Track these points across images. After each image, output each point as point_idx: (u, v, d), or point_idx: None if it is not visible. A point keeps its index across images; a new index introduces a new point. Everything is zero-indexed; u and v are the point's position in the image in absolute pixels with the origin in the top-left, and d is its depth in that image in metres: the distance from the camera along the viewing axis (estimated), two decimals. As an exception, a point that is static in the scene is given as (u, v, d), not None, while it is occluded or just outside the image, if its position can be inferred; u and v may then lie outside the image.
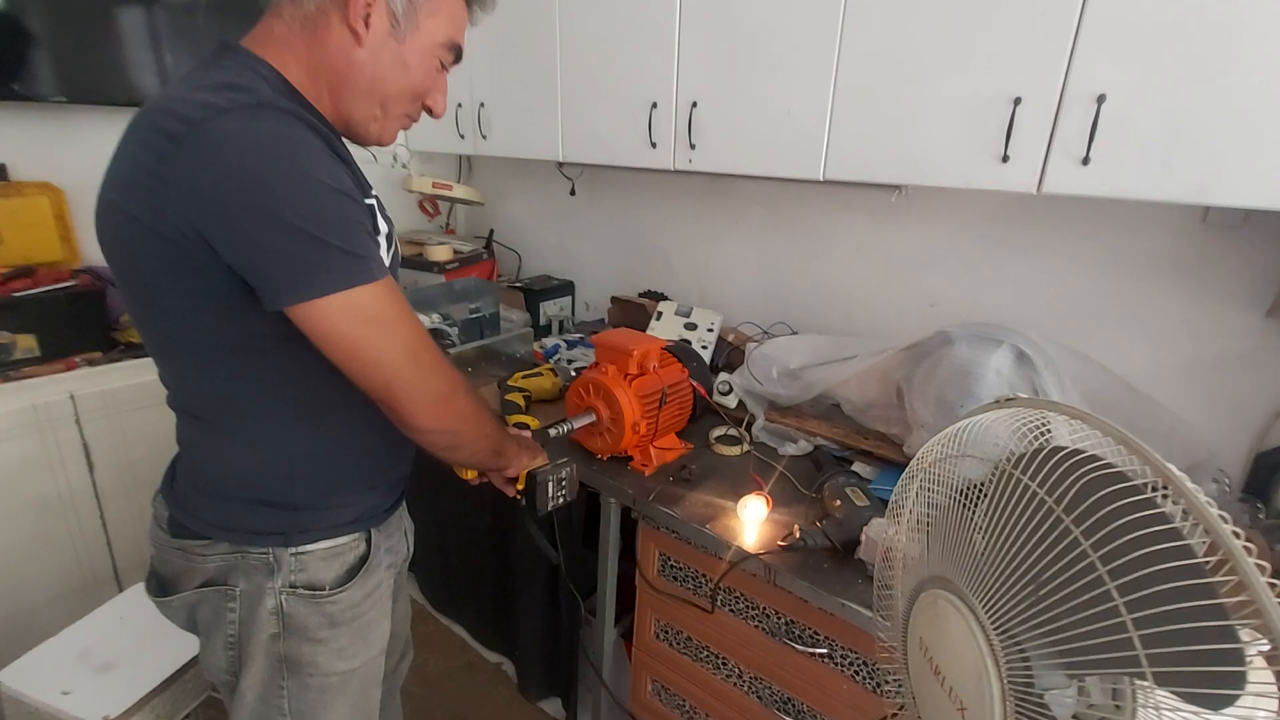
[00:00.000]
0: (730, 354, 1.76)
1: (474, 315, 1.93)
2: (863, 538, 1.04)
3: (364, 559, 0.86)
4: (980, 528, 0.61)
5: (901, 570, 0.77)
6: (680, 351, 1.45)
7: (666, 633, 1.39)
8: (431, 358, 0.74)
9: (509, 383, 1.59)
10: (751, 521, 1.17)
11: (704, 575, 1.27)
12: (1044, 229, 1.40)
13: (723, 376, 1.60)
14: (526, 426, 1.44)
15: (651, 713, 1.47)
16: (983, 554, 0.59)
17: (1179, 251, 1.27)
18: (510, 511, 1.59)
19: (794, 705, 1.22)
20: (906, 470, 0.79)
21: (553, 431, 1.21)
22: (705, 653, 1.33)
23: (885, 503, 1.15)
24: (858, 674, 1.11)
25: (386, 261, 0.75)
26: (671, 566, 1.32)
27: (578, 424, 1.27)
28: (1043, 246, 1.41)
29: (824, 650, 1.13)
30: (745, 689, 1.28)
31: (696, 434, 1.50)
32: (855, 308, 1.70)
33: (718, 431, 1.52)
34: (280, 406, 0.78)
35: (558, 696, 1.73)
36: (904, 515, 0.77)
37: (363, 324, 0.68)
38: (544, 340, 2.02)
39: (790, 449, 1.46)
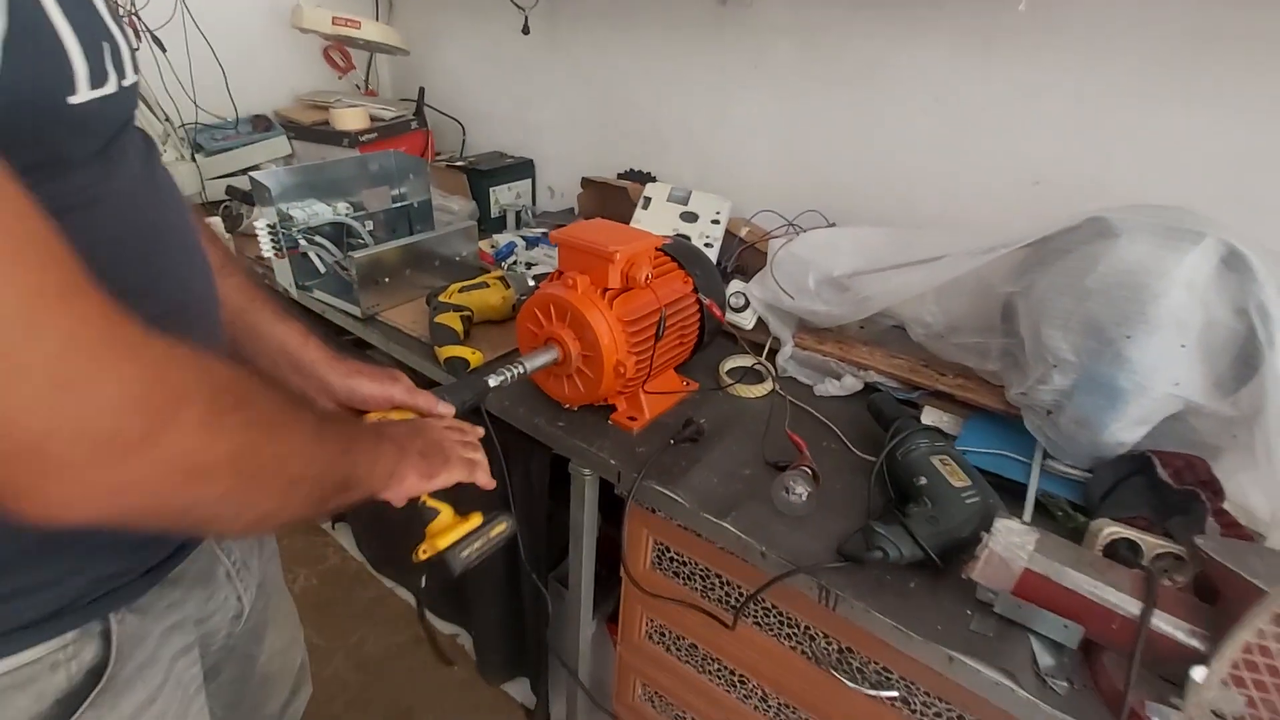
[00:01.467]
0: (743, 255, 1.31)
1: (398, 205, 1.43)
2: (981, 552, 0.66)
3: (98, 671, 0.45)
4: None
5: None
6: (681, 252, 1.00)
7: (663, 635, 1.04)
8: (98, 333, 0.30)
9: (440, 299, 1.14)
10: (793, 507, 0.78)
11: (719, 576, 0.90)
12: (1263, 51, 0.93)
13: (735, 286, 1.17)
14: (464, 363, 1.00)
15: (640, 716, 1.15)
16: None
17: None
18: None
19: (841, 744, 0.89)
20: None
21: (494, 379, 0.78)
22: (717, 666, 0.99)
23: (990, 479, 0.77)
24: (946, 726, 0.77)
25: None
26: (671, 559, 0.94)
27: (532, 366, 0.84)
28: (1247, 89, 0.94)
29: (894, 694, 0.78)
30: (771, 715, 0.95)
31: (701, 367, 1.08)
32: (921, 189, 1.24)
33: (731, 363, 1.11)
34: None
35: (525, 677, 1.42)
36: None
37: None
38: (495, 238, 1.54)
39: (831, 387, 1.05)
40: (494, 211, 1.68)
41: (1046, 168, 1.11)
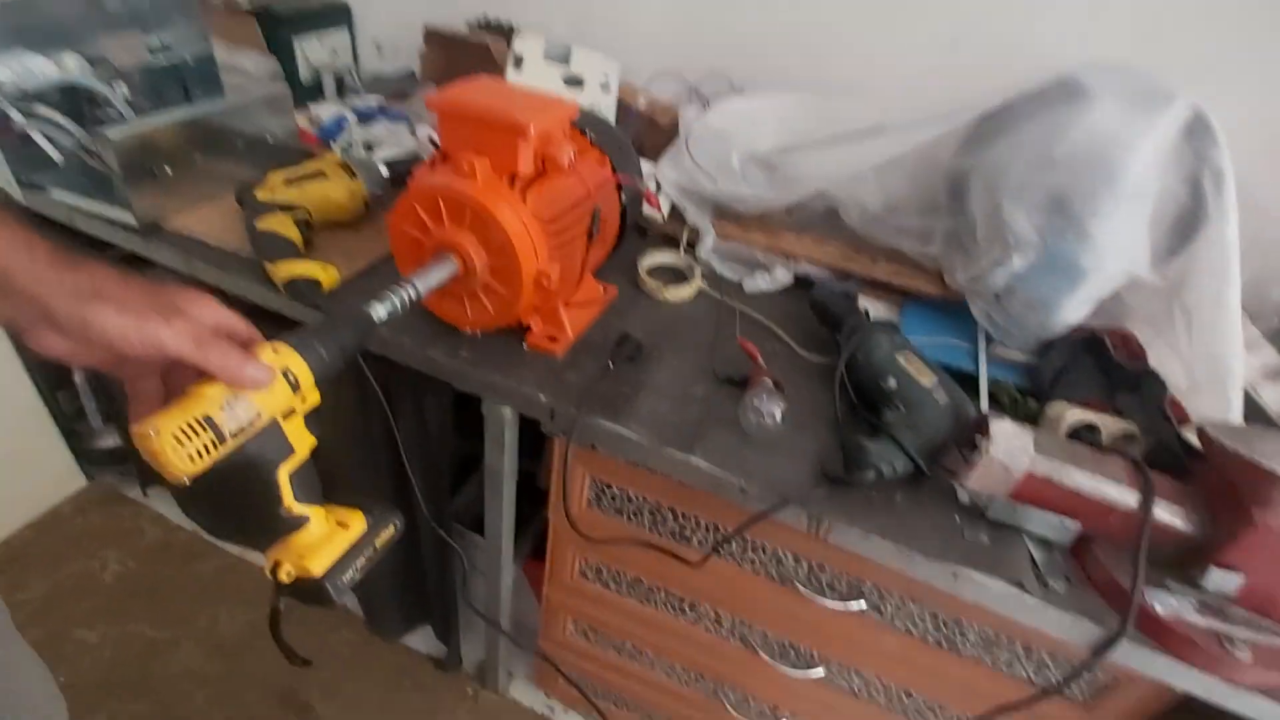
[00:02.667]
0: (643, 130, 1.11)
1: (162, 62, 1.03)
2: (978, 458, 0.61)
3: None
4: None
5: None
6: (593, 125, 0.79)
7: (600, 573, 0.94)
8: None
9: (259, 195, 0.83)
10: (766, 430, 0.68)
11: (672, 510, 0.79)
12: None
13: (642, 168, 0.99)
14: (314, 285, 0.75)
15: (573, 650, 1.08)
16: None
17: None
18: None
19: (798, 651, 0.87)
20: None
21: (381, 308, 0.56)
22: (665, 595, 0.91)
23: (953, 374, 0.72)
24: (915, 626, 0.76)
25: None
26: (614, 497, 0.82)
27: (426, 285, 0.62)
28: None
29: (862, 606, 0.75)
30: (725, 634, 0.90)
31: (616, 269, 0.91)
32: (833, 49, 1.10)
33: (650, 261, 0.95)
34: None
35: (426, 625, 1.27)
36: None
37: None
38: (314, 110, 1.18)
39: (761, 282, 0.95)
40: (303, 74, 1.29)
41: (965, 28, 1.02)
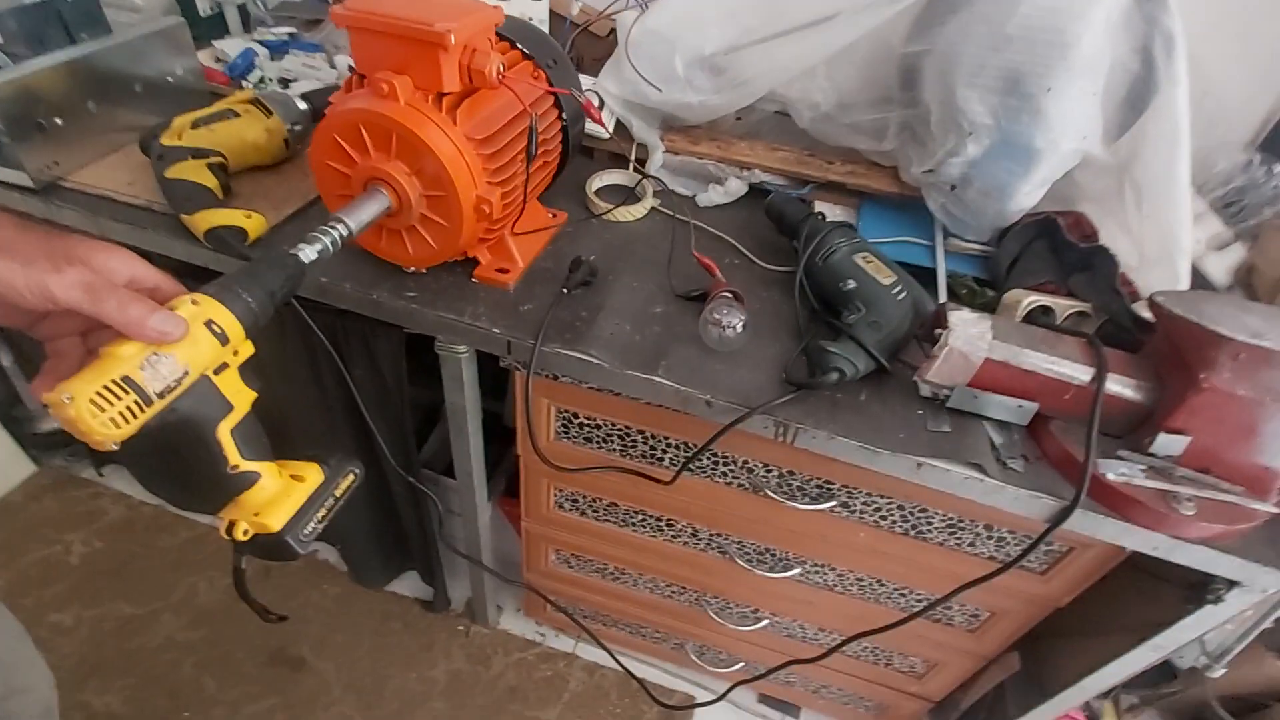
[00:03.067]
0: (580, 42, 1.04)
1: (35, 1, 0.92)
2: (940, 350, 0.61)
3: None
4: None
5: None
6: (522, 35, 0.73)
7: (575, 502, 0.94)
8: None
9: (164, 141, 0.76)
10: (729, 342, 0.67)
11: (642, 432, 0.79)
12: None
13: (581, 81, 0.93)
14: (240, 234, 0.71)
15: (557, 579, 1.10)
16: None
17: None
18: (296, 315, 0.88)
19: (774, 554, 0.90)
20: None
21: (309, 250, 0.52)
22: (642, 516, 0.92)
23: (912, 271, 0.72)
24: (884, 518, 0.78)
25: None
26: (581, 425, 0.81)
27: (358, 223, 0.58)
28: None
29: (832, 505, 0.77)
30: (702, 546, 0.93)
31: (564, 192, 0.88)
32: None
33: (599, 182, 0.91)
34: None
35: (411, 569, 1.28)
36: None
37: None
38: (218, 46, 1.08)
39: (715, 195, 0.92)
40: (201, 6, 1.17)
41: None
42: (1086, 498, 0.57)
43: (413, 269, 0.72)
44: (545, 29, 1.02)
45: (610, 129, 0.94)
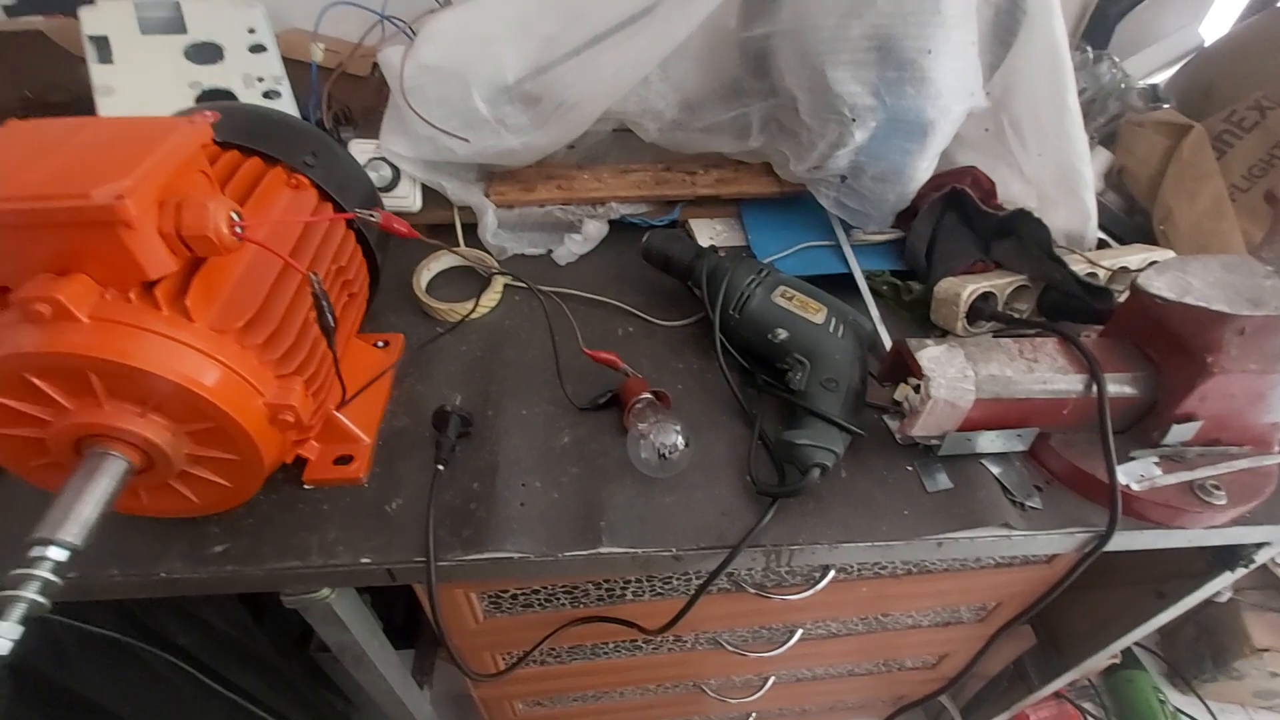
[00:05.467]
0: (333, 93, 0.80)
1: None
2: (922, 405, 0.50)
3: None
4: None
5: None
6: (254, 130, 0.50)
7: (532, 658, 0.77)
8: None
9: None
10: (674, 465, 0.52)
11: (594, 582, 0.63)
12: None
13: (357, 150, 0.71)
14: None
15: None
16: None
17: None
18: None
19: (771, 631, 0.78)
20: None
21: (7, 625, 0.30)
22: (613, 645, 0.77)
23: (825, 284, 0.61)
24: (884, 568, 0.69)
25: None
26: (514, 597, 0.64)
27: (87, 515, 0.35)
28: None
29: (829, 579, 0.66)
30: (690, 647, 0.79)
31: (387, 303, 0.67)
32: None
33: (427, 273, 0.71)
34: None
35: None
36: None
37: None
38: None
39: (575, 246, 0.75)
40: None
41: None
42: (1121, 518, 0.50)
43: (191, 513, 0.49)
44: (286, 90, 0.77)
45: (419, 203, 0.73)
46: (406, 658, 0.91)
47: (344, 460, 0.52)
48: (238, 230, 0.38)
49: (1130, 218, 0.84)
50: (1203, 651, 1.21)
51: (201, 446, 0.41)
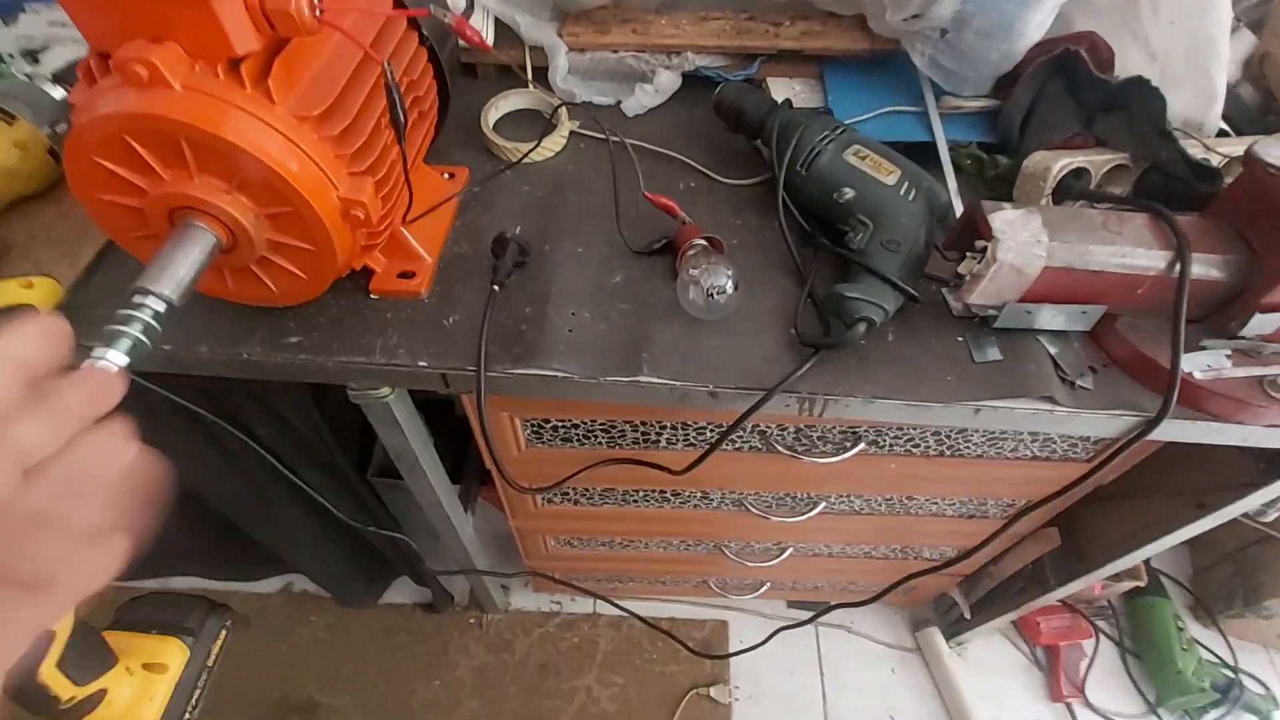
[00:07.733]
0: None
1: None
2: (985, 269, 0.48)
3: None
4: None
5: None
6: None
7: (565, 495, 0.82)
8: None
9: None
10: (720, 308, 0.53)
11: (630, 421, 0.66)
12: None
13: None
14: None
15: (561, 559, 1.01)
16: None
17: None
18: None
19: (795, 498, 0.81)
20: None
21: (114, 353, 0.34)
22: (643, 493, 0.82)
23: (906, 150, 0.58)
24: (915, 446, 0.69)
25: None
26: (555, 428, 0.68)
27: (179, 283, 0.39)
28: None
29: (858, 449, 0.67)
30: (715, 506, 0.84)
31: (453, 138, 0.67)
32: None
33: (495, 112, 0.71)
34: None
35: (403, 575, 1.18)
36: None
37: None
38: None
39: (645, 98, 0.72)
40: None
41: None
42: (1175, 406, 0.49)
43: (280, 304, 0.53)
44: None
45: (490, 38, 0.72)
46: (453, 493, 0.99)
47: (407, 275, 0.55)
48: (317, 11, 0.39)
49: (1264, 117, 0.75)
50: (1235, 589, 1.20)
51: (280, 233, 0.44)
